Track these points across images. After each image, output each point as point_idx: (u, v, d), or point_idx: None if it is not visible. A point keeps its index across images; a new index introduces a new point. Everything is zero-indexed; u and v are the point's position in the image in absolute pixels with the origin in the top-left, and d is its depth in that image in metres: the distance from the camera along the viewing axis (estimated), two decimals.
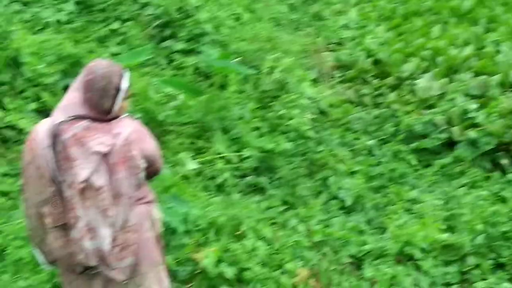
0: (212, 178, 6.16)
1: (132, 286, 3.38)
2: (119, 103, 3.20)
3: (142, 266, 3.38)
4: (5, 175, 5.76)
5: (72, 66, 6.90)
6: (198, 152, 6.50)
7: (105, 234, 3.21)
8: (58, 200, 3.16)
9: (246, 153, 6.47)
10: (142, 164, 3.26)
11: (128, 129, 3.23)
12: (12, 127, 6.19)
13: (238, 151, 6.53)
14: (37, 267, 4.50)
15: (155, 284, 3.44)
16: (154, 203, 3.51)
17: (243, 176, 6.40)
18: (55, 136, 3.12)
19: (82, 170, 3.11)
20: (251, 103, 7.12)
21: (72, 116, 3.15)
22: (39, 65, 6.56)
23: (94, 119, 3.17)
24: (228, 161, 6.40)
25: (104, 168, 3.16)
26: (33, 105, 6.42)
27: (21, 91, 6.49)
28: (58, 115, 3.19)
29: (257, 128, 6.84)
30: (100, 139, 3.15)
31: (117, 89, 3.18)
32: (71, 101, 3.21)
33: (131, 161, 3.20)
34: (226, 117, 6.78)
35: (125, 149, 3.19)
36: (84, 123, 3.15)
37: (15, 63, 6.46)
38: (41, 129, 3.20)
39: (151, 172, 3.44)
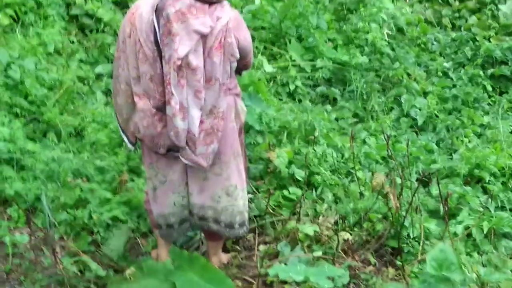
0: (284, 84, 6.14)
1: (211, 174, 3.42)
2: None
3: (225, 155, 3.41)
4: (81, 61, 5.83)
5: None
6: (272, 57, 6.48)
7: (195, 116, 3.22)
8: (153, 76, 3.20)
9: (319, 63, 6.41)
10: (237, 53, 3.25)
11: (228, 15, 3.17)
12: (90, 15, 6.22)
13: (312, 60, 6.47)
14: (114, 148, 4.61)
15: (234, 174, 3.47)
16: (240, 95, 3.52)
17: (315, 85, 6.37)
18: (160, 10, 3.11)
19: (182, 46, 3.09)
20: (328, 14, 7.00)
21: None
22: None
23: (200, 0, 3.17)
24: (301, 69, 6.36)
25: (201, 49, 3.16)
26: None
27: None
28: None
29: (332, 39, 6.75)
30: (202, 19, 3.11)
31: None
32: None
33: (227, 47, 3.16)
34: (301, 25, 6.69)
35: (224, 35, 3.14)
36: (188, 0, 3.16)
37: None
38: (144, 3, 3.17)
39: (242, 65, 3.42)
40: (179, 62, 3.09)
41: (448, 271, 2.79)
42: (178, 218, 3.56)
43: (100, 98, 5.41)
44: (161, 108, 3.24)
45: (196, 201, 3.49)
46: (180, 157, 3.33)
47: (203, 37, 3.12)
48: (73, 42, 5.91)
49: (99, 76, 5.78)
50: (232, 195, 3.48)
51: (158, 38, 3.11)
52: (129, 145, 3.53)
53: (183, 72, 3.13)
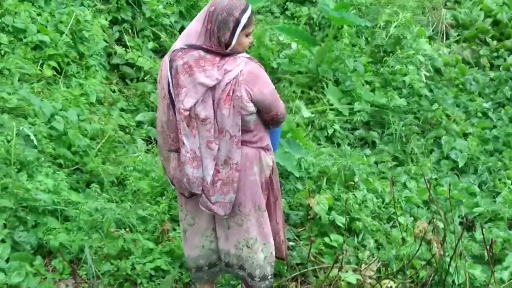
0: (322, 128, 6.16)
1: (233, 223, 3.46)
2: (237, 37, 3.21)
3: (245, 208, 3.44)
4: (122, 110, 5.94)
5: (189, 8, 7.02)
6: (309, 102, 6.51)
7: (208, 166, 3.29)
8: (173, 124, 3.28)
9: (357, 106, 6.42)
10: (251, 107, 3.25)
11: (240, 68, 3.22)
12: (131, 64, 6.35)
13: (349, 103, 6.49)
14: (156, 197, 4.66)
15: (254, 226, 3.47)
16: (268, 151, 3.51)
17: (353, 129, 6.37)
18: (172, 61, 3.22)
19: (188, 98, 3.19)
20: (365, 57, 7.03)
21: (188, 44, 3.22)
22: (159, 5, 6.68)
23: (210, 51, 3.21)
24: (339, 113, 6.38)
25: (211, 100, 3.22)
26: (151, 45, 6.57)
27: (141, 30, 6.63)
28: (178, 42, 3.28)
29: (369, 82, 6.76)
30: (209, 71, 3.18)
31: (237, 22, 3.19)
32: (192, 30, 3.27)
33: (236, 100, 3.20)
34: (338, 69, 6.73)
35: (232, 88, 3.20)
36: (198, 53, 3.19)
37: (136, 2, 6.60)
38: (168, 52, 3.30)
39: (269, 119, 3.43)
40: (186, 113, 3.19)
41: None
42: (207, 261, 3.61)
43: (140, 146, 5.49)
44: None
45: (223, 247, 3.55)
46: (200, 205, 3.41)
47: (212, 88, 3.18)
48: (114, 91, 6.03)
49: (139, 124, 5.88)
50: (252, 247, 3.50)
51: (171, 88, 3.23)
52: (171, 185, 3.61)
53: (193, 123, 3.21)
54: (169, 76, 3.23)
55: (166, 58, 3.28)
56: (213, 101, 3.22)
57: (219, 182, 3.34)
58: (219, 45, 3.21)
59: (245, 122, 3.29)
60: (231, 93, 3.19)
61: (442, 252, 3.96)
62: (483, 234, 4.16)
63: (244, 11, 3.22)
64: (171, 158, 3.43)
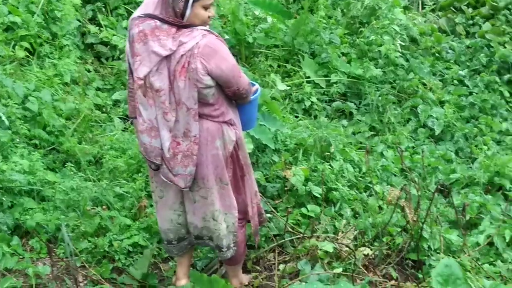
0: (300, 101, 6.17)
1: (198, 197, 3.47)
2: (190, 6, 3.17)
3: (208, 181, 3.44)
4: (99, 89, 5.92)
5: None
6: (286, 75, 6.51)
7: (165, 136, 3.30)
8: (132, 93, 3.29)
9: (334, 78, 6.43)
10: (207, 80, 3.23)
11: (196, 41, 3.19)
12: (105, 43, 6.32)
13: (326, 75, 6.50)
14: (133, 175, 4.66)
15: (217, 200, 3.49)
16: (233, 125, 3.49)
17: (330, 100, 6.39)
18: (129, 30, 3.21)
19: (142, 67, 3.19)
20: (340, 29, 7.03)
21: (145, 14, 3.19)
22: None
23: (166, 22, 3.18)
24: (316, 85, 6.39)
25: (166, 71, 3.21)
26: (125, 23, 6.50)
27: (115, 8, 6.58)
28: (137, 11, 3.25)
29: (346, 54, 6.77)
30: (163, 41, 3.16)
31: None
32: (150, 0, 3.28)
33: (191, 73, 3.19)
34: (314, 42, 6.73)
35: (187, 60, 3.18)
36: (154, 22, 3.16)
37: None
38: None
39: (231, 94, 3.41)
40: (140, 82, 3.19)
41: (454, 285, 2.79)
42: (176, 235, 3.63)
43: (118, 125, 5.47)
44: None
45: (191, 221, 3.58)
46: (160, 174, 3.42)
47: (167, 60, 3.17)
48: (89, 70, 6.00)
49: (116, 103, 5.86)
50: (217, 219, 3.52)
51: (129, 56, 3.23)
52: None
53: (149, 93, 3.21)
54: (128, 45, 3.23)
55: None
56: (169, 73, 3.20)
57: (179, 154, 3.33)
58: (175, 15, 3.18)
59: (202, 96, 3.26)
60: (186, 65, 3.17)
61: (414, 218, 4.00)
62: (451, 199, 4.20)
63: None
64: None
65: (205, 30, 3.23)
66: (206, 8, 3.24)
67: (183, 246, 3.68)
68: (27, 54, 5.49)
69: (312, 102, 6.16)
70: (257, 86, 3.64)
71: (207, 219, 3.52)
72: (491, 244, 4.44)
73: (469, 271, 3.90)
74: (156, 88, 3.21)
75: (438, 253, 4.16)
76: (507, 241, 4.42)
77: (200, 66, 3.18)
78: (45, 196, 4.31)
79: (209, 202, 3.48)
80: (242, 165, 3.57)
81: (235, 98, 3.46)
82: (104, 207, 4.29)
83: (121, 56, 6.23)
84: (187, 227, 3.61)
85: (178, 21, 3.18)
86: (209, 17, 3.28)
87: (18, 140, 4.57)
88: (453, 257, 4.23)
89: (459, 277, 2.79)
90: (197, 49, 3.17)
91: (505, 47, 7.03)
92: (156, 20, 3.16)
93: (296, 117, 5.95)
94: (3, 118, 4.45)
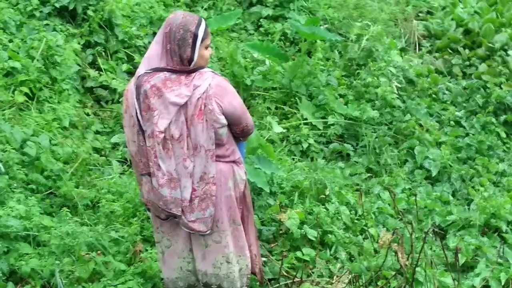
0: (297, 143, 6.21)
1: (210, 241, 3.50)
2: (197, 51, 3.27)
3: (222, 223, 3.48)
4: (98, 132, 5.97)
5: None
6: (283, 117, 6.57)
7: (186, 184, 3.32)
8: (144, 149, 3.32)
9: (331, 119, 6.48)
10: (223, 119, 3.33)
11: (208, 82, 3.29)
12: (105, 87, 6.39)
13: (323, 117, 6.55)
14: (129, 219, 4.69)
15: (231, 242, 3.53)
16: (240, 164, 3.58)
17: (328, 142, 6.43)
18: (139, 87, 3.25)
19: (161, 120, 3.23)
20: (337, 71, 7.10)
21: (152, 68, 3.27)
22: (132, 27, 6.74)
23: (174, 71, 3.26)
24: (313, 127, 6.43)
25: (183, 119, 3.27)
26: (125, 66, 6.60)
27: (114, 52, 6.68)
28: (141, 68, 3.32)
29: (343, 95, 6.83)
30: (178, 90, 3.24)
31: (195, 36, 3.26)
32: (153, 53, 3.31)
33: (209, 114, 3.27)
34: (312, 84, 6.80)
35: (203, 102, 3.26)
36: (163, 74, 3.24)
37: (108, 25, 6.65)
38: (133, 79, 3.35)
39: (239, 131, 3.51)
40: (161, 136, 3.24)
41: None
42: (185, 283, 3.64)
43: (116, 168, 5.51)
44: None
45: (200, 268, 3.59)
46: (180, 225, 3.45)
47: (182, 107, 3.23)
48: (88, 114, 6.06)
49: (115, 146, 5.91)
50: (232, 261, 3.54)
51: (138, 114, 3.27)
52: (146, 208, 3.71)
53: (169, 144, 3.26)
54: (136, 103, 3.27)
55: (131, 86, 3.33)
56: (186, 119, 3.27)
57: (196, 199, 3.38)
58: (182, 63, 3.27)
59: (218, 136, 3.35)
60: (202, 107, 3.26)
61: (406, 262, 4.00)
62: (441, 242, 4.21)
63: (199, 24, 3.31)
64: (143, 182, 3.46)
65: (211, 71, 3.34)
66: (207, 47, 3.36)
67: None
68: (26, 99, 5.56)
69: (309, 143, 6.20)
70: None
71: (217, 265, 3.54)
72: (486, 287, 4.44)
73: None
74: (177, 137, 3.28)
75: None
76: (502, 284, 4.41)
77: (216, 106, 3.29)
78: (40, 241, 4.33)
79: (223, 245, 3.51)
80: (248, 203, 3.64)
81: (242, 135, 3.58)
82: (98, 252, 4.30)
83: (120, 100, 6.30)
84: (196, 274, 3.62)
85: (186, 67, 3.25)
86: (209, 55, 3.40)
87: (15, 185, 4.60)
88: None
89: None
90: (211, 90, 3.28)
91: (501, 88, 7.08)
92: (165, 72, 3.24)
93: (294, 159, 5.98)
94: (0, 164, 4.50)
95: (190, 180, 3.34)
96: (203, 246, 3.52)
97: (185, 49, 3.25)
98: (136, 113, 3.28)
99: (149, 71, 3.27)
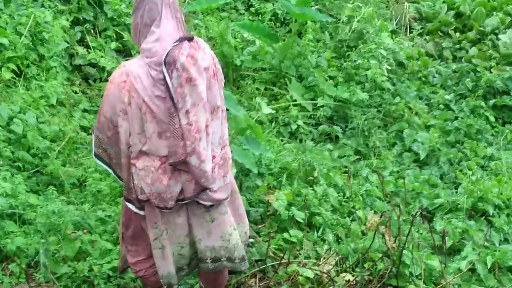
0: (286, 124, 6.19)
1: (216, 214, 3.34)
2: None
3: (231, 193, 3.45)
4: (85, 111, 5.93)
5: None
6: (273, 98, 6.54)
7: (209, 154, 3.19)
8: (163, 133, 3.11)
9: (320, 101, 6.46)
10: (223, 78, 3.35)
11: (202, 42, 3.24)
12: (93, 65, 6.34)
13: (312, 99, 6.53)
14: (116, 198, 4.66)
15: (231, 210, 3.42)
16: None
17: (317, 124, 6.41)
18: (171, 62, 3.05)
19: (203, 88, 3.10)
20: (328, 52, 7.07)
21: (178, 39, 3.10)
22: (121, 5, 6.67)
23: (190, 38, 3.14)
24: (303, 109, 6.41)
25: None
26: (114, 44, 6.55)
27: (103, 30, 6.62)
28: (163, 42, 3.10)
29: (333, 77, 6.81)
30: (201, 55, 3.14)
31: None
32: (169, 28, 3.12)
33: (218, 73, 3.25)
34: (302, 65, 6.77)
35: (214, 62, 3.23)
36: (186, 44, 3.11)
37: (98, 2, 6.59)
38: (132, 68, 3.10)
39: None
40: (207, 105, 3.13)
41: None
42: (175, 266, 3.56)
43: None
44: (165, 162, 3.18)
45: (207, 244, 3.41)
46: (201, 201, 3.27)
47: (207, 70, 3.17)
48: (76, 92, 6.01)
49: None
50: (237, 229, 3.50)
51: (173, 93, 3.07)
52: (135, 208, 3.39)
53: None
54: (169, 80, 3.05)
55: (139, 68, 3.09)
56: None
57: (216, 168, 3.26)
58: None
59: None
60: (213, 67, 3.20)
61: (393, 244, 4.01)
62: (428, 225, 4.22)
63: None
64: (141, 176, 3.20)
65: None
66: None
67: (180, 276, 3.54)
68: (14, 76, 5.50)
69: (298, 125, 6.18)
70: None
71: (226, 238, 3.42)
72: (473, 270, 4.45)
73: None
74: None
75: (420, 279, 4.17)
76: (488, 267, 4.42)
77: (218, 65, 3.27)
78: (26, 220, 4.30)
79: (228, 215, 3.42)
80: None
81: None
82: (85, 231, 4.28)
83: (108, 78, 6.23)
84: (189, 258, 3.49)
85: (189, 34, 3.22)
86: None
87: (1, 162, 4.57)
88: (434, 283, 4.25)
89: None
90: (209, 49, 3.25)
91: (491, 72, 7.08)
92: (186, 41, 3.11)
93: (282, 140, 5.97)
94: None
95: (210, 148, 3.20)
96: (208, 222, 3.36)
97: (183, 16, 3.23)
98: (169, 93, 3.06)
99: (176, 43, 3.10)
